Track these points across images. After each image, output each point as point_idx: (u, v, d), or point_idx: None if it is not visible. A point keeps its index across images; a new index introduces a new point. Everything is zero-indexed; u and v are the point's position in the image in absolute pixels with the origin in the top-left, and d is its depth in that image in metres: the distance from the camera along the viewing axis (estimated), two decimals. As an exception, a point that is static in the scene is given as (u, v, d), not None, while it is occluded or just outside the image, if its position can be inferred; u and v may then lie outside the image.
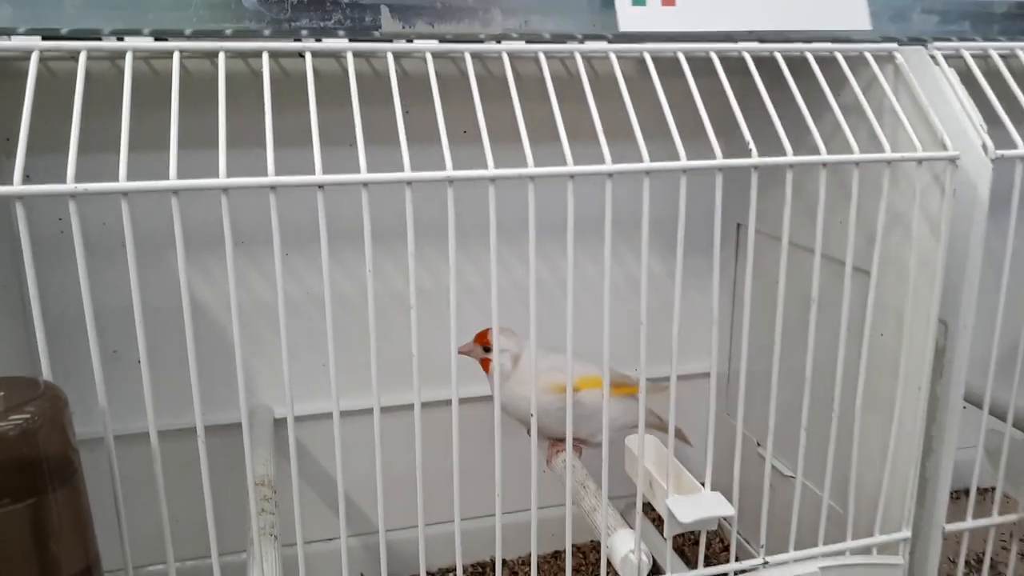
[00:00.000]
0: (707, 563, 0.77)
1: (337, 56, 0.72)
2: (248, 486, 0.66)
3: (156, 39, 0.66)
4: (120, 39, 0.65)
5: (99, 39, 0.65)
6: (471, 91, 0.66)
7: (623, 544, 0.73)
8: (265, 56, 0.65)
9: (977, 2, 0.88)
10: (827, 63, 0.76)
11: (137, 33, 0.66)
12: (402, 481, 0.70)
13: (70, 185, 0.55)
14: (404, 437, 0.68)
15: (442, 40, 0.71)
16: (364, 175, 0.61)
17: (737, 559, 0.79)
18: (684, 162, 0.67)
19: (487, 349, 0.85)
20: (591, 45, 0.75)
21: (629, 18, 0.75)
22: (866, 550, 0.82)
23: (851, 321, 0.76)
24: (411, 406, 0.66)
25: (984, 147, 0.73)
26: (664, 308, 0.73)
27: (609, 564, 0.75)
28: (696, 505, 0.74)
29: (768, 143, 0.70)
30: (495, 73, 0.76)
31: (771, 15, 0.78)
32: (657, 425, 0.90)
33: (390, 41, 0.70)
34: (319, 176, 0.60)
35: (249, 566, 0.68)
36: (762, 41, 0.77)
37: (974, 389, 0.83)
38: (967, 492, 0.86)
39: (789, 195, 0.71)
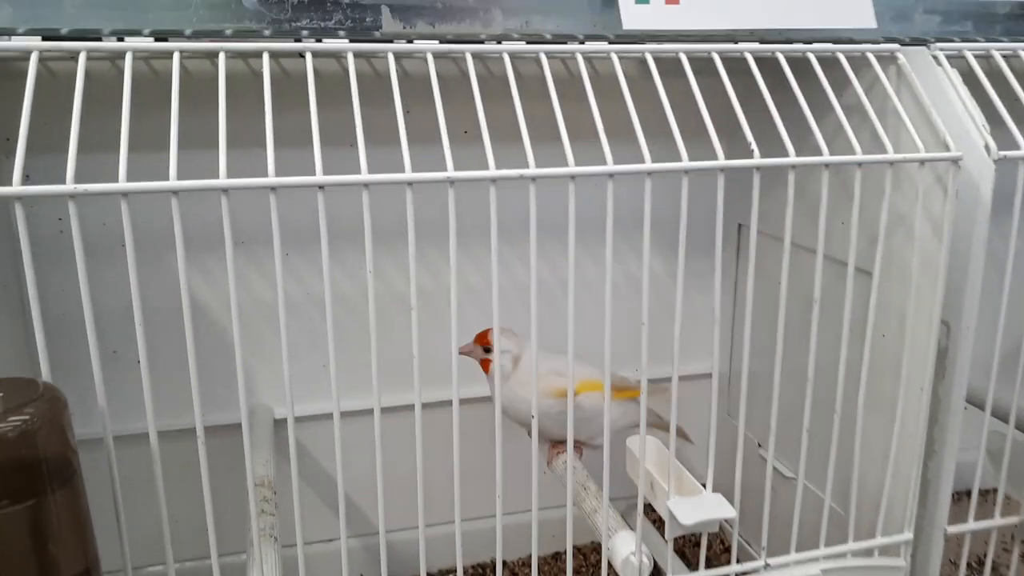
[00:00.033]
0: (708, 565, 0.77)
1: (338, 56, 0.72)
2: (248, 487, 0.66)
3: (156, 39, 0.66)
4: (120, 39, 0.65)
5: (99, 39, 0.65)
6: (472, 91, 0.66)
7: (624, 546, 0.72)
8: (265, 56, 0.65)
9: (980, 2, 0.88)
10: (829, 63, 0.76)
11: (137, 33, 0.66)
12: (402, 482, 0.70)
13: (70, 186, 0.55)
14: (404, 438, 0.68)
15: (443, 40, 0.71)
16: (365, 176, 0.61)
17: (738, 561, 0.79)
18: (686, 163, 0.67)
19: (487, 350, 0.85)
20: (592, 45, 0.74)
21: (633, 16, 0.75)
22: (868, 552, 0.82)
23: (853, 322, 0.76)
24: (411, 407, 0.66)
25: (987, 148, 0.73)
26: (665, 308, 0.73)
27: (610, 566, 0.75)
28: (697, 507, 0.74)
29: (770, 144, 0.70)
30: (496, 73, 0.76)
31: (775, 13, 0.78)
32: (657, 424, 0.89)
33: (391, 41, 0.70)
34: (320, 177, 0.60)
35: (249, 567, 0.68)
36: (765, 41, 0.77)
37: (976, 390, 0.83)
38: (968, 494, 0.86)
39: (791, 196, 0.70)
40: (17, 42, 0.62)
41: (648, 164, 0.66)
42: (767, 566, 0.79)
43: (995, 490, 0.88)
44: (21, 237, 0.55)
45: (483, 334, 0.86)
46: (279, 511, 0.76)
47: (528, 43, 0.73)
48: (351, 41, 0.69)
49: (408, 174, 0.61)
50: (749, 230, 0.71)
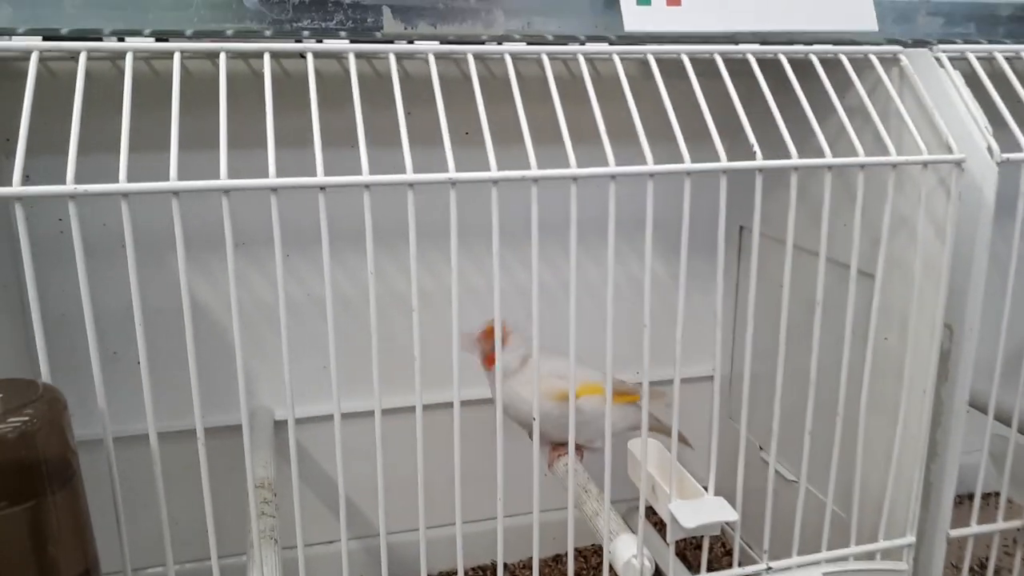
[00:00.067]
0: (709, 568, 0.77)
1: (339, 57, 0.72)
2: (248, 488, 0.65)
3: (157, 39, 0.66)
4: (120, 39, 0.65)
5: (99, 39, 0.65)
6: (473, 92, 0.66)
7: (625, 548, 0.72)
8: (266, 57, 0.64)
9: (982, 4, 0.87)
10: (831, 65, 0.76)
11: (138, 33, 0.66)
12: (403, 483, 0.69)
13: (70, 186, 0.55)
14: (405, 439, 0.68)
15: (444, 41, 0.71)
16: (366, 177, 0.60)
17: (740, 564, 0.79)
18: (688, 164, 0.67)
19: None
20: (594, 47, 0.74)
21: (634, 18, 0.75)
22: (870, 555, 0.81)
23: (855, 324, 0.76)
24: (412, 408, 0.66)
25: (990, 150, 0.73)
26: (665, 310, 0.73)
27: (611, 568, 0.74)
28: (699, 510, 0.73)
29: (771, 146, 0.70)
30: (497, 74, 0.75)
31: (777, 15, 0.78)
32: (655, 427, 0.89)
33: (392, 42, 0.69)
34: (321, 178, 0.60)
35: (249, 569, 0.68)
36: (766, 43, 0.77)
37: (978, 393, 0.83)
38: (970, 497, 0.86)
39: (794, 198, 0.70)
40: (17, 42, 0.62)
41: (650, 166, 0.65)
42: (769, 569, 0.79)
43: (997, 493, 0.87)
44: (21, 238, 0.55)
45: (488, 331, 0.84)
46: (279, 513, 0.76)
47: (530, 44, 0.73)
48: (352, 42, 0.69)
49: (409, 175, 0.61)
50: (750, 232, 0.71)
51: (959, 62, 0.79)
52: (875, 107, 0.74)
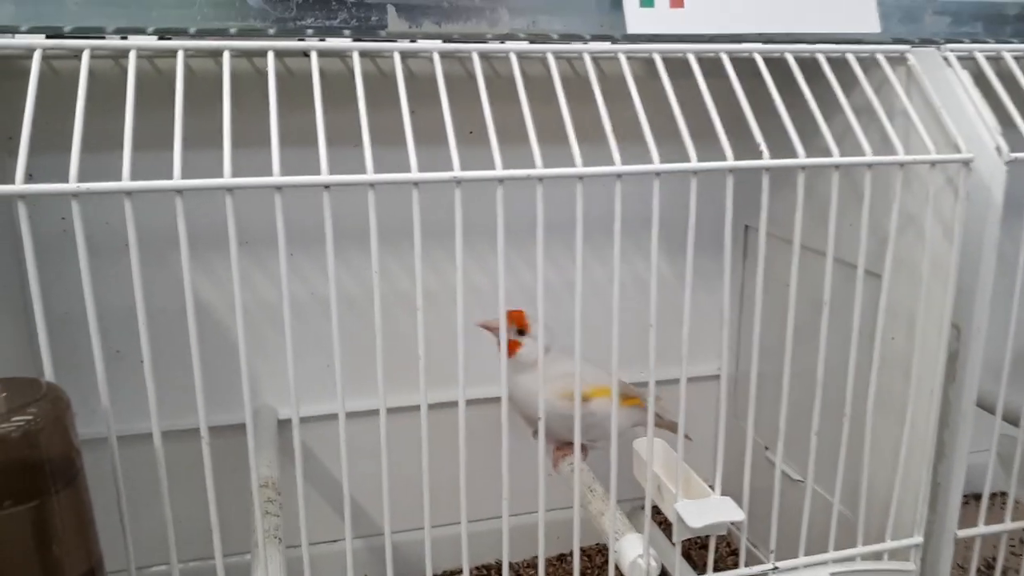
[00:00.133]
0: (716, 568, 0.77)
1: (343, 56, 0.72)
2: (252, 487, 0.65)
3: (160, 38, 0.65)
4: (124, 38, 0.65)
5: (102, 37, 0.64)
6: (478, 91, 0.65)
7: (631, 548, 0.72)
8: (270, 55, 0.64)
9: (989, 3, 0.87)
10: (838, 64, 0.75)
11: (141, 31, 0.66)
12: (407, 482, 0.69)
13: (73, 184, 0.55)
14: (410, 439, 0.67)
15: (449, 40, 0.71)
16: (370, 176, 0.60)
17: (746, 564, 0.79)
18: (694, 163, 0.66)
19: (521, 332, 0.83)
20: (599, 45, 0.74)
21: (637, 20, 0.74)
22: (877, 556, 0.81)
23: (862, 324, 0.75)
24: (417, 407, 0.66)
25: (998, 149, 0.72)
26: (671, 310, 0.72)
27: (617, 568, 0.74)
28: (705, 510, 0.73)
29: (778, 145, 0.70)
30: (502, 73, 0.75)
31: (779, 17, 0.78)
32: (659, 423, 0.89)
33: (396, 41, 0.69)
34: (325, 176, 0.59)
35: (253, 568, 0.68)
36: (772, 41, 0.76)
37: (986, 393, 0.82)
38: (978, 497, 0.86)
39: (801, 197, 0.70)
40: (20, 40, 0.61)
41: (656, 165, 0.65)
42: (775, 569, 0.79)
43: (1005, 493, 0.87)
44: (24, 236, 0.54)
45: (518, 315, 0.83)
46: (283, 512, 0.76)
47: (534, 43, 0.73)
48: (356, 40, 0.69)
49: (414, 174, 0.61)
50: (755, 231, 0.70)
51: (967, 61, 0.79)
52: (882, 106, 0.74)
